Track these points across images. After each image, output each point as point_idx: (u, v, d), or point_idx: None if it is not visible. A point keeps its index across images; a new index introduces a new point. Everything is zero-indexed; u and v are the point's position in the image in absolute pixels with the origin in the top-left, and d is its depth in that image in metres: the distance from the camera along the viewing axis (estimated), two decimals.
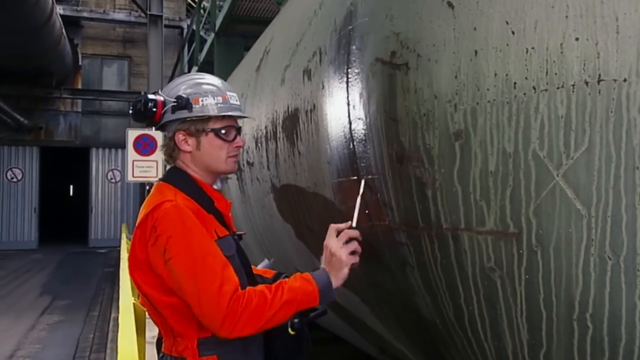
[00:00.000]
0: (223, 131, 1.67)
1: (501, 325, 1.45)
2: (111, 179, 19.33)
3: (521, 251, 1.36)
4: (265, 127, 2.66)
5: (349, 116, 1.70)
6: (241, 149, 1.76)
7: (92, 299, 9.54)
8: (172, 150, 1.70)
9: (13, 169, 18.52)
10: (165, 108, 1.65)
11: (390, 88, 1.52)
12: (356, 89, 1.66)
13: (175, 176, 1.70)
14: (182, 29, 20.09)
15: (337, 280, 1.60)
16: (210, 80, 1.72)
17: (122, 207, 19.37)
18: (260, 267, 2.64)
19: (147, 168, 10.00)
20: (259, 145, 2.79)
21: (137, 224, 1.62)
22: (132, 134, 10.03)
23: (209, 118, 1.65)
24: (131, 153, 10.01)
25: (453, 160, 1.41)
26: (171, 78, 17.77)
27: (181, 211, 1.56)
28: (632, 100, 1.24)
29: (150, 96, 1.66)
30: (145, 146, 10.01)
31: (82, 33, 20.05)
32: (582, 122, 1.27)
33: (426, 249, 1.52)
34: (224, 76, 6.39)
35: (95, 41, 20.31)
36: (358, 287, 2.05)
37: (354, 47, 1.68)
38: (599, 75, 1.25)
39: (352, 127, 1.69)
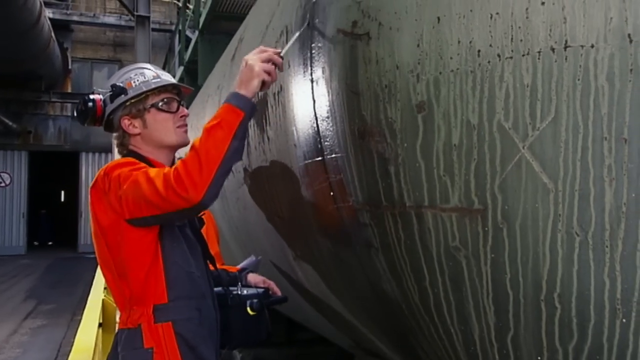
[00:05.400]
0: (163, 104, 1.71)
1: (467, 308, 1.37)
2: None
3: (486, 229, 1.29)
4: None
5: (312, 94, 1.63)
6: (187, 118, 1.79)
7: (78, 303, 9.36)
8: (122, 139, 1.75)
9: (1, 174, 18.34)
10: (104, 99, 1.73)
11: (351, 60, 1.45)
12: (319, 64, 1.59)
13: (129, 157, 1.71)
14: (172, 32, 19.98)
15: (247, 90, 1.53)
16: (140, 65, 1.81)
17: None
18: (244, 264, 2.57)
19: None
20: None
21: (90, 188, 1.64)
22: None
23: (146, 96, 1.71)
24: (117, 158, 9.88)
25: (416, 134, 1.34)
26: None
27: (127, 157, 1.66)
28: (599, 67, 1.18)
29: (90, 96, 1.76)
30: None
31: (72, 37, 19.95)
32: (548, 90, 1.21)
33: (390, 229, 1.44)
34: (208, 74, 6.30)
35: (85, 45, 20.21)
36: (327, 274, 1.97)
37: (317, 20, 1.61)
38: (566, 41, 1.19)
39: (316, 104, 1.62)
